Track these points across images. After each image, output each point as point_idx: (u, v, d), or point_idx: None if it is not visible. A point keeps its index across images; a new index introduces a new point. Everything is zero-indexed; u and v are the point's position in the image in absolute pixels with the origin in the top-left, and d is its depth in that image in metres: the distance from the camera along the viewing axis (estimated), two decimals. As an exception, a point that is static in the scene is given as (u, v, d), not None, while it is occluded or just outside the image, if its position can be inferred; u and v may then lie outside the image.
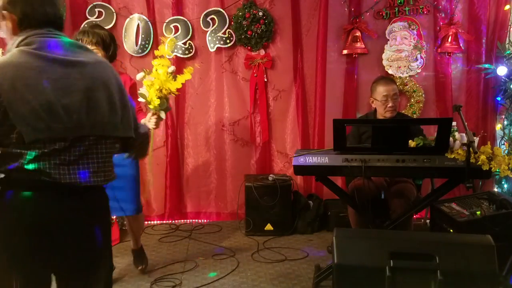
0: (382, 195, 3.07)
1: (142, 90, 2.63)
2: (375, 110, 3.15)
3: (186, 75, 2.66)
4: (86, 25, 2.80)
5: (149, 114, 2.68)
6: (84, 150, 1.44)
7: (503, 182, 4.00)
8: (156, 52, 2.66)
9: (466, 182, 2.27)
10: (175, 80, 2.61)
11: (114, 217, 3.61)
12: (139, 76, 2.70)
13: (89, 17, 3.90)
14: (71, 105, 1.39)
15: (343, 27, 4.10)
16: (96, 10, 3.91)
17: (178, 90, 2.75)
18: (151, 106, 2.60)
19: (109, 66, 1.59)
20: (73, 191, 1.44)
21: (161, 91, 2.56)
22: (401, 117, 3.23)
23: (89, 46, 2.62)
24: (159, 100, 2.55)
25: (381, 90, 3.03)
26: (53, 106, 1.35)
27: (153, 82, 2.56)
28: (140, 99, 2.65)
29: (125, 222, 3.88)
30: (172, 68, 2.62)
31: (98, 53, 2.65)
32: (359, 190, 2.81)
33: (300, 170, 2.58)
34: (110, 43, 2.74)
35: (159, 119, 2.66)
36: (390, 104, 2.99)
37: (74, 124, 1.39)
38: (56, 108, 1.36)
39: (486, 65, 4.03)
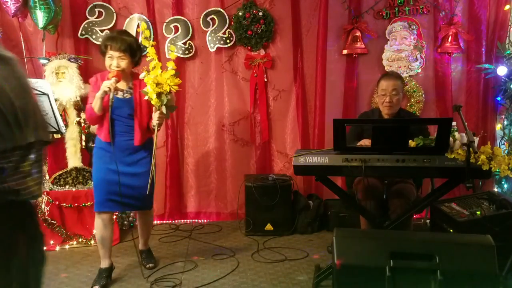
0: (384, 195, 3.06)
1: (145, 88, 2.72)
2: None
3: (172, 55, 2.78)
4: (114, 32, 2.94)
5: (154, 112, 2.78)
6: (33, 159, 1.25)
7: (503, 182, 4.00)
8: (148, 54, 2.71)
9: (466, 182, 2.26)
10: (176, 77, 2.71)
11: (114, 217, 3.61)
12: (141, 76, 2.77)
13: (89, 17, 3.91)
14: (26, 107, 1.22)
15: (343, 27, 4.10)
16: (96, 10, 3.91)
17: (178, 89, 2.84)
18: (153, 102, 2.69)
19: None
20: (26, 207, 1.28)
21: (161, 87, 2.65)
22: (405, 114, 3.16)
23: (116, 53, 2.74)
24: (156, 96, 2.64)
25: (381, 85, 2.98)
26: (15, 109, 1.18)
27: (148, 79, 2.65)
28: (146, 97, 2.74)
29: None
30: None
31: (125, 60, 2.77)
32: (371, 190, 2.80)
33: (300, 170, 2.57)
34: (136, 50, 2.84)
35: (162, 115, 2.74)
36: (387, 100, 2.93)
37: (28, 129, 1.21)
38: (17, 111, 1.18)
39: (486, 65, 4.03)
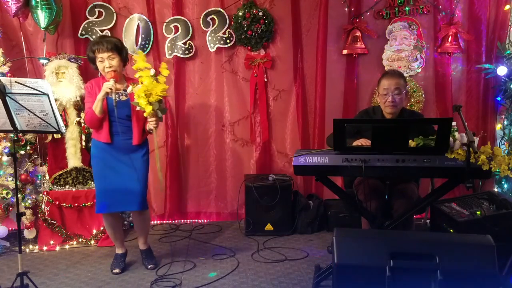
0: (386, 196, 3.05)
1: (136, 100, 2.78)
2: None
3: (164, 72, 2.79)
4: (97, 38, 3.06)
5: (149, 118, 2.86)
6: None
7: (503, 182, 4.00)
8: (134, 67, 2.76)
9: (466, 182, 2.26)
10: (158, 82, 2.76)
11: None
12: (128, 90, 2.88)
13: (89, 17, 3.91)
14: None
15: (343, 27, 4.10)
16: (96, 10, 3.91)
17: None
18: (145, 115, 2.78)
19: None
20: None
21: (150, 97, 2.73)
22: (408, 113, 3.08)
23: (105, 54, 2.84)
24: (150, 106, 2.73)
25: (382, 83, 2.89)
26: None
27: (138, 92, 2.71)
28: (138, 108, 2.81)
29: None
30: (153, 71, 2.78)
31: (115, 58, 2.88)
32: (372, 190, 2.79)
33: (300, 170, 2.57)
34: (122, 48, 2.98)
35: (157, 119, 2.85)
36: (389, 99, 2.85)
37: None
38: None
39: (486, 65, 4.03)
